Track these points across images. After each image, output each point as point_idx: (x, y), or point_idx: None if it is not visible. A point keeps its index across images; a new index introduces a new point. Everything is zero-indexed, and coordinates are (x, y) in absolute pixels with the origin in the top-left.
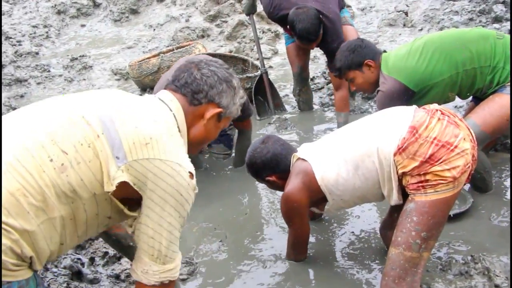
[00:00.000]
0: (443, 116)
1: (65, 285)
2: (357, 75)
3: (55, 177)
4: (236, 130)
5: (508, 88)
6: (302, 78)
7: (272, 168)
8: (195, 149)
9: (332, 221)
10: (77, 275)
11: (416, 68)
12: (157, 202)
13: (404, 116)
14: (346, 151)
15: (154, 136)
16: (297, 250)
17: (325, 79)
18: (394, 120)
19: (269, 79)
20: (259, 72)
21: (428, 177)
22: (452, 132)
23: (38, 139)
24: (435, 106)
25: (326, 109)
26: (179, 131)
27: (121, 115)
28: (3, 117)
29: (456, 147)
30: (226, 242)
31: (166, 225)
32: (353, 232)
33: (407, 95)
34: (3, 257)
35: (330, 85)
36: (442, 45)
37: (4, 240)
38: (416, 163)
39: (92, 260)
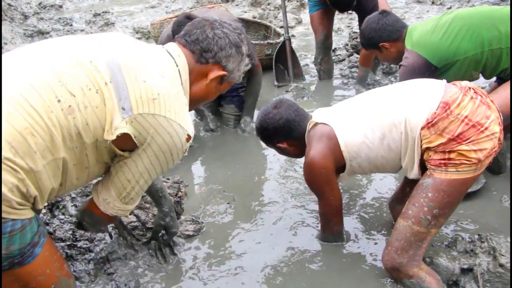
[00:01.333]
0: (476, 95)
1: (70, 232)
2: (376, 52)
3: (63, 118)
4: None
5: None
6: (325, 47)
7: (285, 134)
8: (191, 107)
9: (343, 188)
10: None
11: (440, 44)
12: (149, 155)
13: (435, 90)
14: (372, 118)
15: (162, 92)
16: (334, 220)
17: (347, 51)
18: (424, 92)
19: (291, 46)
20: (281, 38)
21: (452, 155)
22: (484, 113)
23: (45, 79)
24: (467, 83)
25: (346, 81)
26: (182, 88)
27: (130, 65)
28: (7, 53)
29: (486, 128)
30: (234, 205)
31: (146, 175)
32: (364, 198)
33: (429, 71)
34: (10, 195)
35: (352, 57)
36: (470, 22)
37: (11, 179)
38: (443, 139)
39: None
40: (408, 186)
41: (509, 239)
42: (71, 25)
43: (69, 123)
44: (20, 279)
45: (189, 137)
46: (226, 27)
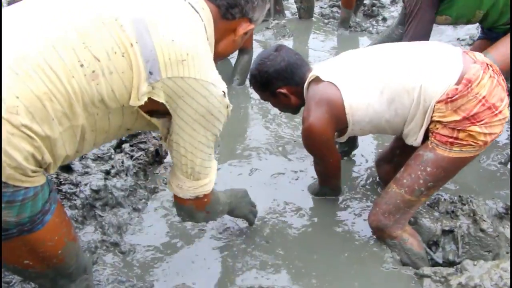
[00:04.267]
0: (493, 73)
1: (54, 175)
2: None
3: (85, 84)
4: None
5: None
6: None
7: (286, 79)
8: (216, 62)
9: None
10: (66, 167)
11: None
12: (187, 122)
13: (453, 60)
14: (382, 80)
15: (191, 52)
16: (333, 177)
17: None
18: (442, 62)
19: None
20: None
21: (461, 135)
22: (499, 94)
23: (68, 40)
24: (484, 59)
25: (326, 20)
26: (208, 43)
27: (156, 22)
28: (15, 4)
29: (500, 112)
30: (219, 149)
31: (197, 144)
32: (350, 156)
33: None
34: (25, 164)
35: None
36: None
37: (27, 147)
38: (458, 117)
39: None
40: (398, 148)
41: (487, 202)
42: None
43: (92, 89)
44: (28, 244)
45: (224, 93)
46: None
